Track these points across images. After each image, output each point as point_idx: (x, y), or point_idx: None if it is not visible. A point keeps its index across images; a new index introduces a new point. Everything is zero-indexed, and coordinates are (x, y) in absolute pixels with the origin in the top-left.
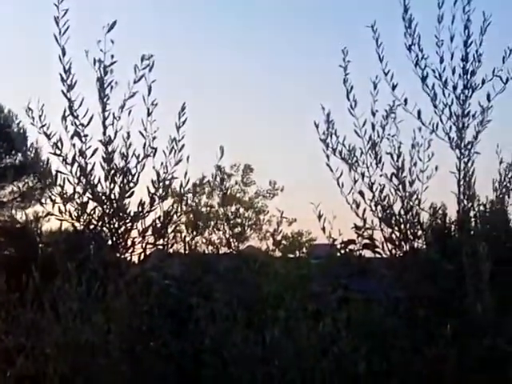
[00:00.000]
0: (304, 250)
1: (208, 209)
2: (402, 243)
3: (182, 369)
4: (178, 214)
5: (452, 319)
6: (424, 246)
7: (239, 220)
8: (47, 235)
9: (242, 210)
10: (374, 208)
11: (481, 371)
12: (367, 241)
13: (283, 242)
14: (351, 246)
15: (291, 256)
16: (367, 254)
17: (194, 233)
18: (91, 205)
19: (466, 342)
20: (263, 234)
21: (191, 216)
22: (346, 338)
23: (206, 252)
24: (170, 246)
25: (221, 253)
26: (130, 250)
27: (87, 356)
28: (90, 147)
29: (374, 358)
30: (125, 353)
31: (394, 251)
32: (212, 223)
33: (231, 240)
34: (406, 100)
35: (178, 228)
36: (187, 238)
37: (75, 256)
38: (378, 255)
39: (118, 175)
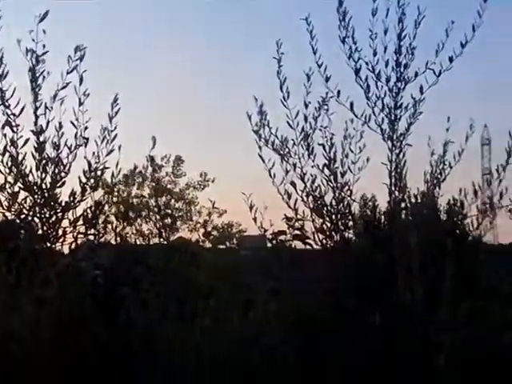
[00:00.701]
0: (234, 241)
1: (139, 200)
2: (333, 234)
3: (113, 358)
4: (109, 205)
5: (382, 310)
6: (355, 237)
7: (170, 211)
8: None
9: (172, 201)
10: (305, 199)
11: (410, 361)
12: (298, 232)
13: (213, 232)
14: (282, 237)
15: (221, 247)
16: (298, 245)
17: (125, 223)
18: (22, 194)
19: (395, 332)
20: (193, 225)
21: (122, 207)
22: (276, 329)
23: (137, 243)
24: (100, 236)
25: (151, 244)
26: (60, 240)
27: (16, 346)
28: (21, 137)
29: (304, 350)
30: (55, 342)
31: (324, 242)
32: (143, 214)
33: (162, 231)
34: (338, 92)
35: (108, 218)
36: (118, 229)
37: (5, 245)
38: (308, 246)
39: (49, 165)
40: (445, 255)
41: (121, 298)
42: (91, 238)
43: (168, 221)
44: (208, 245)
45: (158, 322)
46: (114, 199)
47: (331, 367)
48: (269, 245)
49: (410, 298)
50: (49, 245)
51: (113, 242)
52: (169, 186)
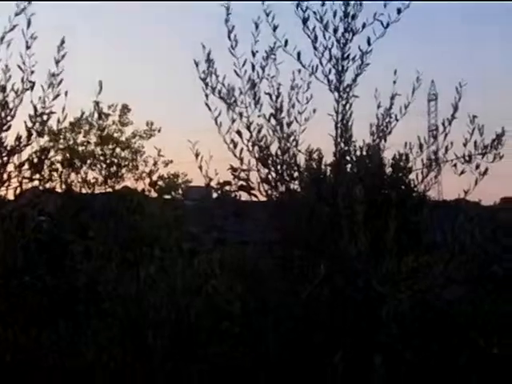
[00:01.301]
0: (180, 191)
1: (85, 148)
2: (278, 184)
3: (57, 304)
4: (55, 149)
5: (326, 260)
6: (300, 188)
7: (115, 160)
8: None
9: (118, 149)
10: (251, 148)
11: (354, 311)
12: (243, 183)
13: (159, 182)
14: (227, 188)
15: (167, 197)
16: (244, 196)
17: (70, 170)
18: None
19: (339, 282)
20: (139, 174)
21: (68, 154)
22: (221, 277)
23: (82, 191)
24: (45, 181)
25: (96, 192)
26: (5, 184)
27: None
28: None
29: (248, 298)
30: None
31: (269, 192)
32: (88, 162)
33: (107, 179)
34: (286, 41)
35: (54, 165)
36: (63, 176)
37: None
38: (254, 197)
39: None
40: (389, 208)
41: (66, 245)
42: (36, 183)
43: (114, 169)
44: (154, 194)
45: (102, 269)
46: (60, 146)
47: (276, 315)
48: (214, 195)
49: (353, 249)
50: None
51: (58, 189)
52: (115, 135)
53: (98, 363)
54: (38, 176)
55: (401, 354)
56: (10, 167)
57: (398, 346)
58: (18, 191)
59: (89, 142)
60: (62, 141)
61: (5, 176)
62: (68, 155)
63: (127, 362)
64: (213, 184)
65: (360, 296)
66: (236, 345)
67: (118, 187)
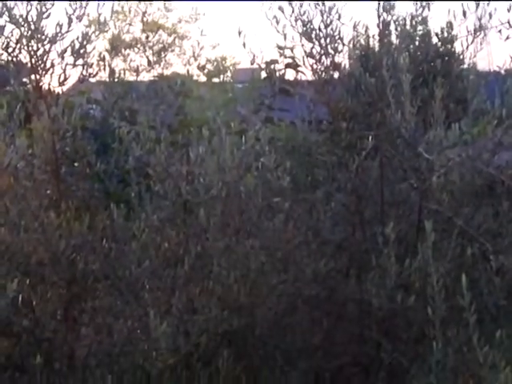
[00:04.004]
0: (228, 74)
1: (130, 36)
2: (323, 58)
3: (108, 188)
4: (97, 34)
5: (374, 131)
6: (345, 61)
7: (162, 45)
8: None
9: (164, 35)
10: (294, 23)
11: (403, 181)
12: (289, 60)
13: (207, 66)
14: (273, 66)
15: (216, 80)
16: (291, 75)
17: (115, 55)
18: (9, 28)
19: (387, 153)
20: (187, 59)
21: (112, 40)
22: (270, 154)
23: (129, 77)
24: (89, 66)
25: (143, 78)
26: (49, 72)
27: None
28: None
29: (298, 173)
30: (49, 174)
31: (315, 67)
32: (134, 49)
33: (154, 65)
34: None
35: (97, 51)
36: (108, 62)
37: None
38: (300, 74)
39: None
40: (435, 77)
41: (114, 130)
42: (80, 69)
43: (160, 55)
44: (202, 79)
45: (152, 152)
46: (102, 30)
47: (326, 188)
48: (262, 75)
49: (400, 118)
50: (38, 77)
51: (104, 76)
52: (160, 21)
53: (151, 244)
54: (81, 62)
55: (451, 221)
56: (53, 55)
57: (448, 213)
58: (63, 78)
59: (131, 25)
60: (104, 26)
61: (48, 64)
62: (112, 42)
63: (180, 241)
64: (258, 61)
65: (409, 165)
66: (287, 219)
67: (166, 73)
